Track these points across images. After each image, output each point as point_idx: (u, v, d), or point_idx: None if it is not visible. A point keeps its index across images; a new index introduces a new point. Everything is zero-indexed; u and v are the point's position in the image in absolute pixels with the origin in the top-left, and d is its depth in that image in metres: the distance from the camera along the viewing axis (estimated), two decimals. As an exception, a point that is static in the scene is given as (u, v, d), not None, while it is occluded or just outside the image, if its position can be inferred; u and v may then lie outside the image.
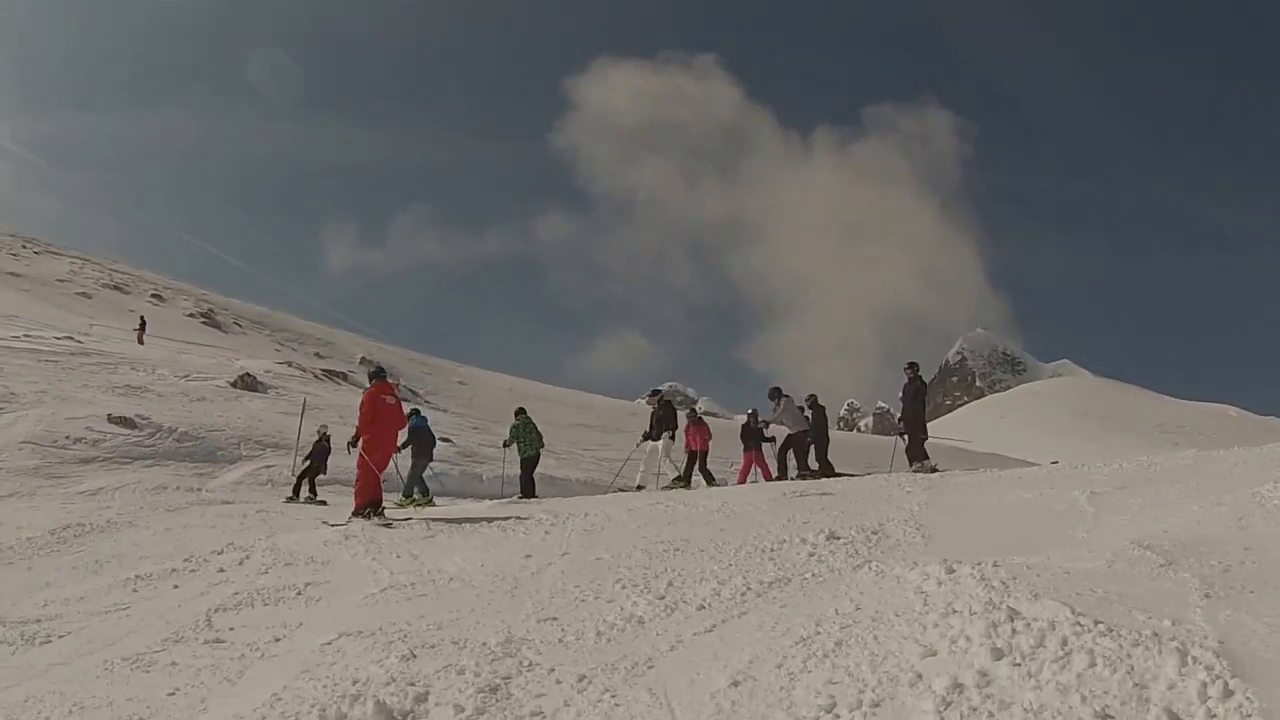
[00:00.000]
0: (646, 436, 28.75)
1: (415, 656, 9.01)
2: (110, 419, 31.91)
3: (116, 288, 74.84)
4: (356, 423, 19.43)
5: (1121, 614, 6.66)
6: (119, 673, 10.07)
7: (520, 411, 29.49)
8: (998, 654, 6.27)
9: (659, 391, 29.32)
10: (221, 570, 15.01)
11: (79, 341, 45.58)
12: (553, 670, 8.15)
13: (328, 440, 28.79)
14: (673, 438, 27.76)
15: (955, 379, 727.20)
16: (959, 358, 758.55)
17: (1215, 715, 5.10)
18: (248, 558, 15.77)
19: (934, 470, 24.10)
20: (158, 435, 31.75)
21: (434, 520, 18.65)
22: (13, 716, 8.93)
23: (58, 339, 44.96)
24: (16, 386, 34.42)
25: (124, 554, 17.38)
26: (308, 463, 28.62)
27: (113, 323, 57.75)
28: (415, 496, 25.01)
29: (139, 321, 55.98)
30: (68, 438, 29.75)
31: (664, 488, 25.87)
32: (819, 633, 7.73)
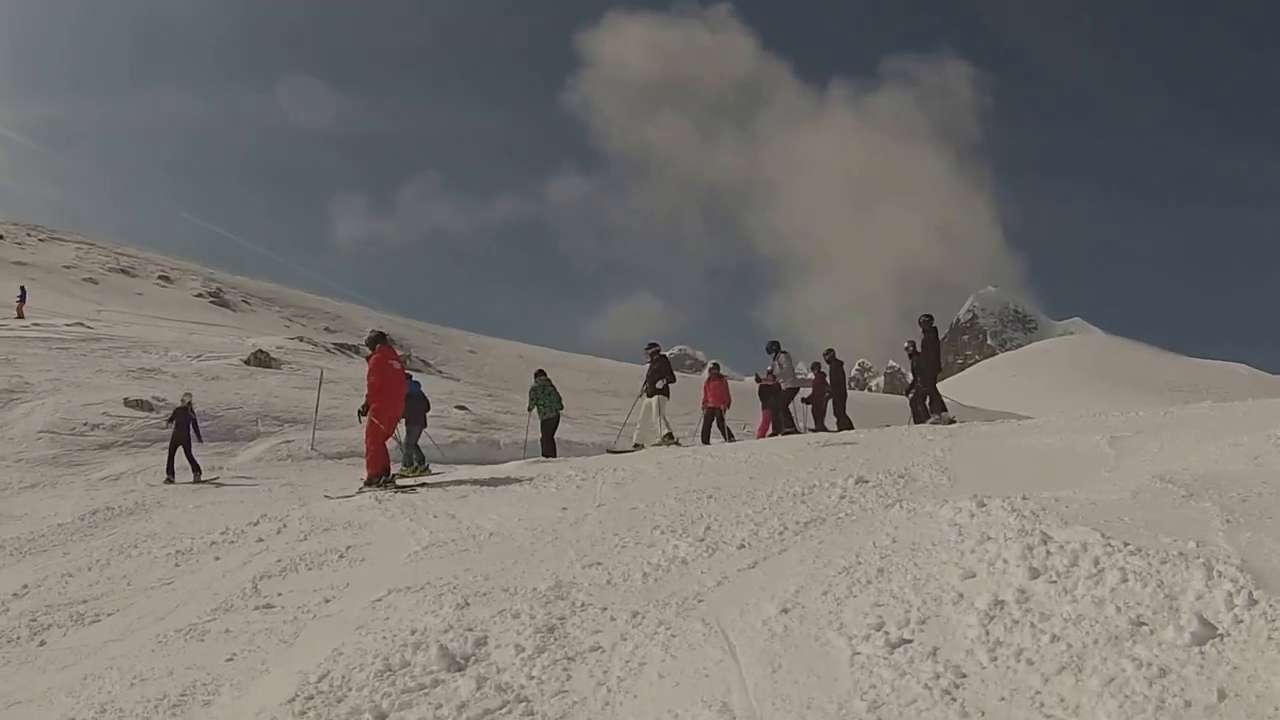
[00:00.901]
0: (644, 392, 29.02)
1: (469, 605, 9.42)
2: (126, 403, 32.18)
3: (123, 271, 75.02)
4: (366, 392, 19.93)
5: (1148, 537, 7.20)
6: (173, 644, 10.35)
7: (540, 374, 30.01)
8: (1034, 573, 6.81)
9: (655, 345, 29.41)
10: (261, 540, 15.41)
11: (89, 327, 45.78)
12: (605, 609, 8.62)
13: (190, 409, 28.16)
14: (666, 392, 27.90)
15: (966, 337, 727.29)
16: (970, 316, 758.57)
17: (1242, 621, 5.56)
18: (284, 527, 16.19)
19: (952, 422, 24.56)
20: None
21: (464, 482, 19.11)
22: (75, 693, 9.11)
23: (67, 325, 45.13)
24: (30, 375, 34.70)
25: (158, 533, 17.72)
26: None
27: (121, 307, 57.67)
28: (414, 464, 25.05)
29: (19, 292, 53.45)
30: (85, 424, 30.03)
31: (654, 445, 26.16)
32: (860, 563, 8.26)
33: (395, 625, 9.26)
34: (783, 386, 29.12)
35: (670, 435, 26.78)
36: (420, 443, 26.77)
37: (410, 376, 26.60)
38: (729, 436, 28.33)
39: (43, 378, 34.72)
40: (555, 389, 29.76)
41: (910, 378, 29.19)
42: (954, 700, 5.48)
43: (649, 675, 6.94)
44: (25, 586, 14.22)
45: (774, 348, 29.37)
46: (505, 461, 25.96)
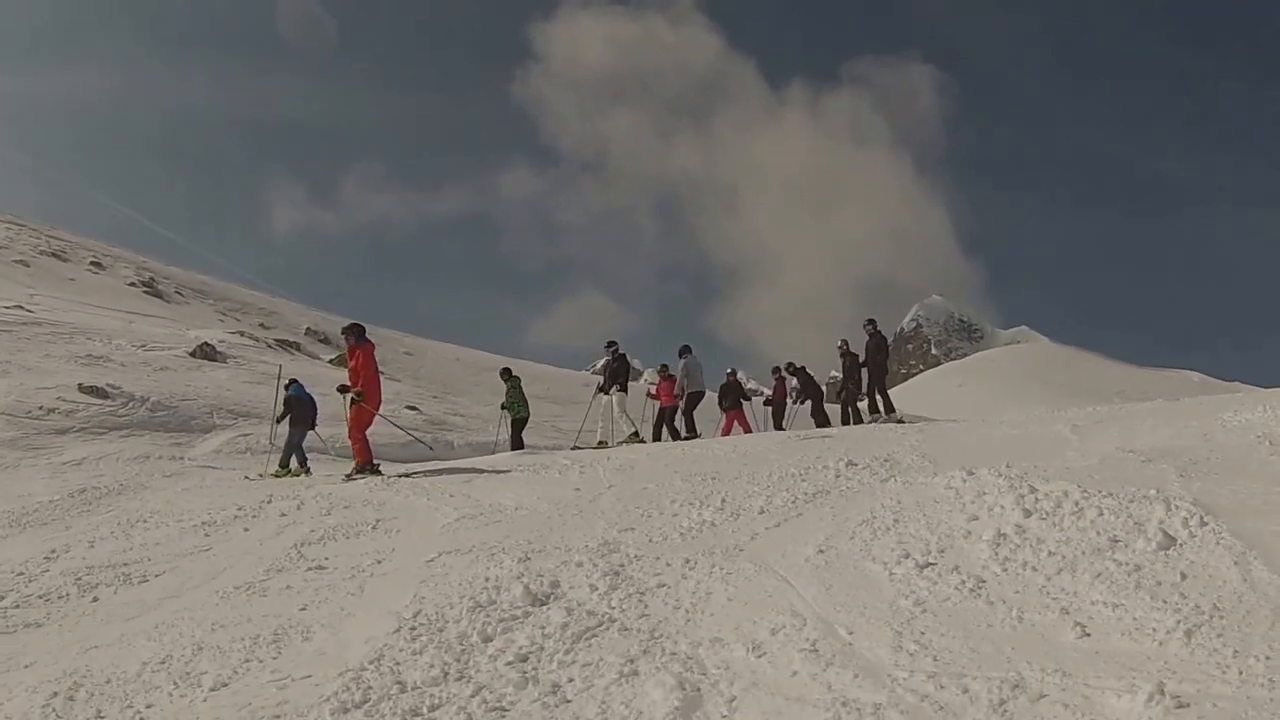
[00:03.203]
0: (600, 389, 30.45)
1: (530, 559, 10.92)
2: (81, 389, 32.75)
3: (54, 255, 74.27)
4: (355, 378, 21.55)
5: (1117, 487, 9.85)
6: (235, 599, 11.36)
7: (509, 375, 31.33)
8: (1027, 513, 9.32)
9: (614, 343, 30.35)
10: (283, 515, 16.61)
11: (29, 311, 45.92)
12: (658, 558, 10.36)
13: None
14: (624, 389, 29.14)
15: (910, 346, 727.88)
16: (914, 325, 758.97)
17: (1195, 535, 8.28)
18: (302, 504, 17.37)
19: (900, 421, 26.42)
20: (131, 405, 32.56)
21: (461, 470, 20.39)
22: (155, 638, 9.91)
23: (6, 308, 44.86)
24: None
25: (161, 510, 18.65)
26: None
27: (53, 292, 57.10)
28: (292, 467, 25.64)
29: None
30: (41, 408, 30.60)
31: (619, 443, 27.24)
32: (875, 518, 10.42)
33: (462, 577, 10.54)
34: (687, 392, 30.28)
35: (636, 434, 27.94)
36: (372, 441, 27.94)
37: (296, 380, 27.99)
38: (675, 436, 29.52)
39: (-10, 360, 34.91)
40: (523, 391, 31.17)
41: (840, 378, 30.79)
42: (979, 595, 7.75)
43: (717, 600, 8.75)
44: (53, 551, 15.22)
45: (686, 352, 30.69)
46: (459, 461, 26.75)
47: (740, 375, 31.49)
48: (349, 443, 21.98)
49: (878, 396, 29.68)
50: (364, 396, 21.10)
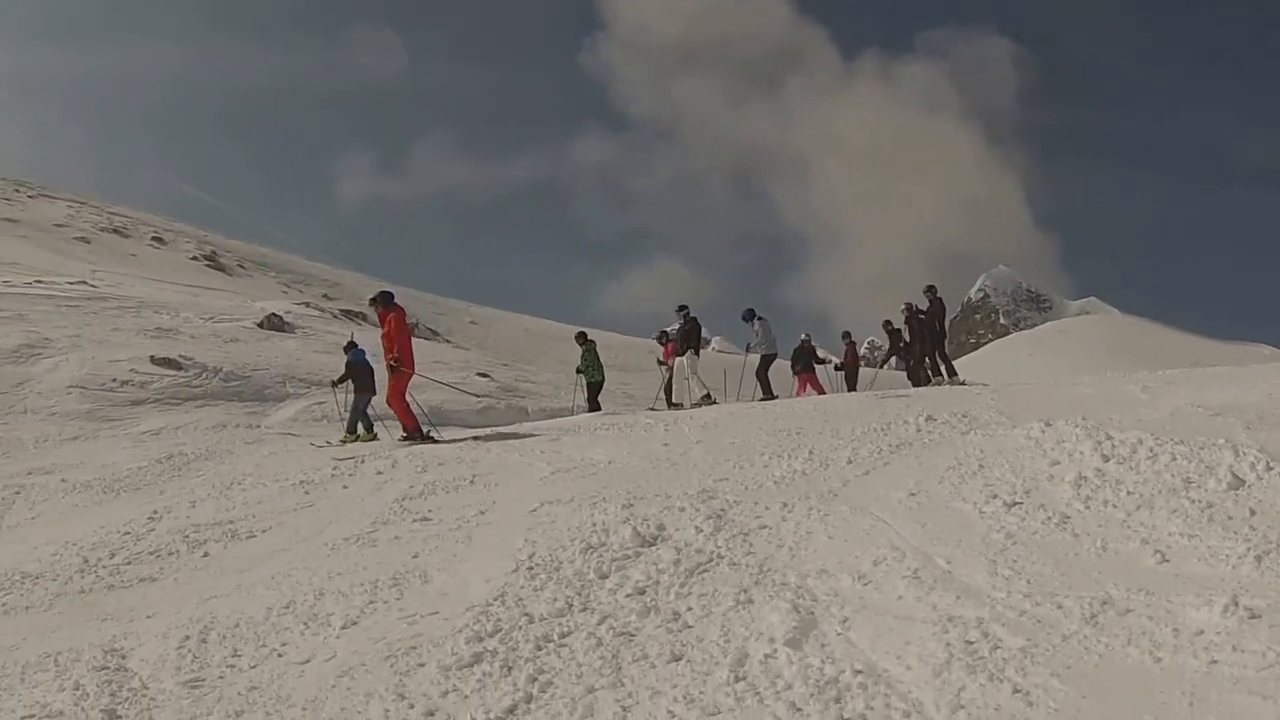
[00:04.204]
0: (676, 353, 30.17)
1: (633, 506, 11.54)
2: (154, 360, 33.02)
3: (115, 231, 74.83)
4: (390, 345, 21.54)
5: (1188, 436, 10.69)
6: (346, 550, 11.97)
7: (584, 339, 31.91)
8: (1105, 458, 10.22)
9: (685, 307, 30.22)
10: (379, 473, 17.15)
11: (94, 286, 46.21)
12: (757, 503, 11.09)
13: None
14: (697, 353, 29.20)
15: (979, 316, 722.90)
16: (981, 295, 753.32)
17: (1262, 478, 9.14)
18: (395, 464, 17.90)
19: (963, 384, 26.98)
20: (204, 375, 32.84)
21: (545, 431, 20.85)
22: (274, 586, 10.56)
23: (71, 284, 45.36)
24: (48, 331, 35.19)
25: (253, 473, 19.19)
26: None
27: (115, 267, 57.04)
28: (359, 433, 25.37)
29: None
30: (114, 380, 30.83)
31: (692, 405, 27.33)
32: (961, 464, 11.24)
33: (568, 524, 11.16)
34: (759, 352, 30.46)
35: (708, 395, 28.02)
36: (446, 408, 28.38)
37: (355, 344, 27.93)
38: (670, 403, 29.79)
39: (61, 334, 35.18)
40: (598, 356, 31.74)
41: (894, 345, 31.68)
42: (1065, 529, 8.63)
43: (818, 539, 9.50)
44: (155, 512, 15.81)
45: (750, 315, 30.90)
46: (539, 423, 27.02)
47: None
48: (390, 410, 22.11)
49: (938, 360, 30.18)
50: (400, 361, 21.19)
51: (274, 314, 46.11)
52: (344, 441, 24.10)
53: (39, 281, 44.33)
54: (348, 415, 25.71)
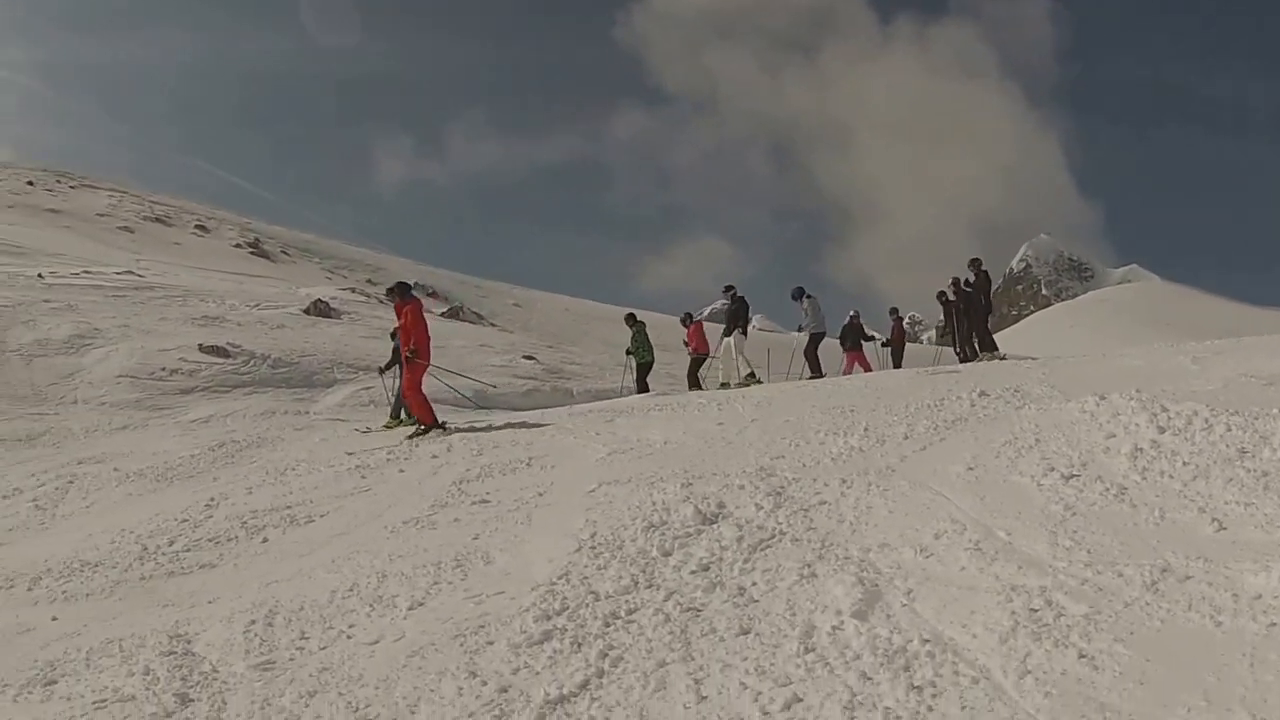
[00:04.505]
0: (724, 333, 30.54)
1: (692, 484, 11.69)
2: (202, 349, 33.28)
3: (158, 220, 75.14)
4: (407, 337, 21.33)
5: (1241, 406, 10.78)
6: (405, 533, 12.25)
7: (633, 320, 32.03)
8: (1160, 430, 10.38)
9: (732, 287, 30.63)
10: (435, 457, 17.44)
11: (140, 275, 46.38)
12: (815, 480, 11.27)
13: None
14: (744, 332, 29.59)
15: (1020, 287, 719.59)
16: (1023, 265, 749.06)
17: None
18: (451, 447, 18.19)
19: (1004, 358, 27.02)
20: (252, 363, 33.13)
21: (599, 413, 21.06)
22: (335, 570, 10.81)
23: (118, 274, 45.61)
24: (97, 321, 35.50)
25: (306, 459, 19.45)
26: None
27: (159, 256, 57.13)
28: (402, 417, 25.23)
29: None
30: (163, 369, 31.15)
31: (738, 384, 27.65)
32: (1017, 439, 11.40)
33: (628, 503, 11.30)
34: (808, 330, 30.66)
35: (753, 374, 28.32)
36: (492, 392, 28.61)
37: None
38: (696, 385, 30.08)
39: (110, 324, 35.53)
40: (647, 336, 31.77)
41: (947, 321, 31.37)
42: (1123, 500, 8.81)
43: (879, 513, 9.68)
44: (212, 499, 16.01)
45: (799, 293, 31.03)
46: (588, 404, 27.30)
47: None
48: (406, 403, 22.05)
49: (983, 335, 30.18)
50: (416, 353, 21.13)
51: (320, 300, 46.40)
52: (388, 427, 24.23)
53: (86, 272, 44.55)
54: (392, 400, 25.90)
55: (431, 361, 21.68)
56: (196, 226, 77.52)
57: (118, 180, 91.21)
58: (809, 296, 30.45)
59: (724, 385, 28.16)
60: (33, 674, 8.53)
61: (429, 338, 21.61)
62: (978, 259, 30.14)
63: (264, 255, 72.71)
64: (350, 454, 19.12)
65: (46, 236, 56.53)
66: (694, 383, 30.19)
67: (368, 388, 31.56)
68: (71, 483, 19.17)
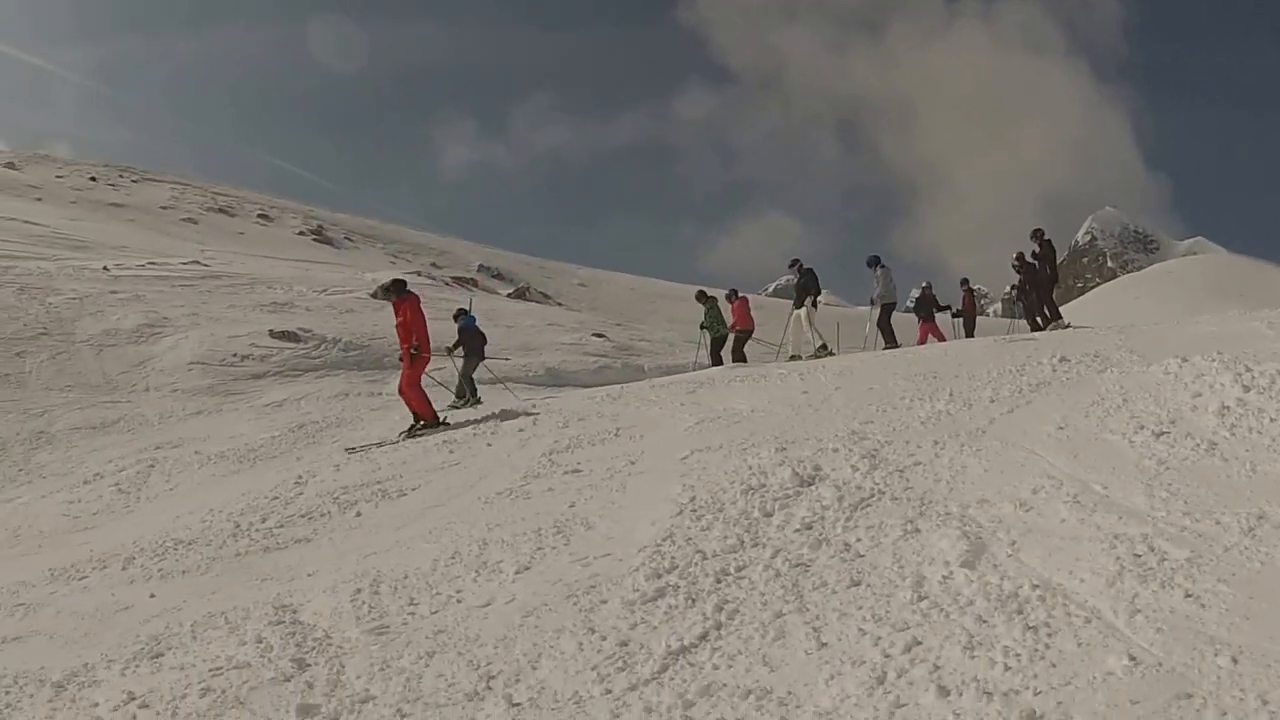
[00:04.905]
0: (794, 305, 30.58)
1: (786, 449, 11.92)
2: (273, 334, 33.94)
3: (221, 210, 76.27)
4: (407, 335, 21.01)
5: None
6: (500, 504, 12.44)
7: (705, 297, 32.30)
8: (1246, 389, 10.68)
9: (798, 260, 30.64)
10: (521, 430, 17.71)
11: (206, 265, 47.02)
12: (907, 442, 11.53)
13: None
14: (815, 304, 29.59)
15: (1086, 260, 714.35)
16: (1088, 238, 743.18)
17: None
18: (536, 420, 18.53)
19: (1068, 328, 27.11)
20: (323, 347, 33.75)
21: (680, 385, 20.95)
22: (434, 540, 11.06)
23: (183, 264, 46.30)
24: (165, 311, 36.05)
25: (386, 436, 20.04)
26: None
27: (224, 246, 57.90)
28: (467, 397, 26.09)
29: None
30: (234, 355, 31.72)
31: (810, 356, 27.53)
32: (1104, 399, 11.68)
33: (723, 469, 11.52)
34: (879, 302, 30.54)
35: (824, 346, 28.31)
36: (563, 369, 28.97)
37: (466, 311, 28.54)
38: (741, 360, 30.27)
39: (178, 313, 36.11)
40: (720, 311, 32.15)
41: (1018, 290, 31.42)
42: (1214, 455, 9.19)
43: (974, 473, 9.97)
44: (300, 478, 16.40)
45: (874, 262, 30.85)
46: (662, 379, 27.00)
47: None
48: (401, 398, 21.57)
49: (1049, 305, 30.27)
50: (420, 349, 20.88)
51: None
52: (452, 407, 24.57)
53: (151, 263, 44.99)
54: (457, 381, 26.38)
55: (432, 357, 21.38)
56: (259, 215, 78.35)
57: (179, 173, 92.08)
58: (883, 266, 30.38)
59: (794, 358, 28.21)
60: (138, 648, 8.81)
61: (429, 334, 21.47)
62: (1040, 229, 30.11)
63: (327, 242, 73.44)
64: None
65: (110, 230, 57.38)
66: (739, 357, 30.45)
67: (439, 368, 31.85)
68: (152, 467, 19.69)
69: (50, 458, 22.20)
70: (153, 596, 10.86)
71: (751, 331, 31.53)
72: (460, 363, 26.72)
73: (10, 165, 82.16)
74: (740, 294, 32.87)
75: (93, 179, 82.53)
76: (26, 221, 51.44)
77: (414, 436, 19.46)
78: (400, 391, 20.95)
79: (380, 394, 29.55)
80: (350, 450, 18.87)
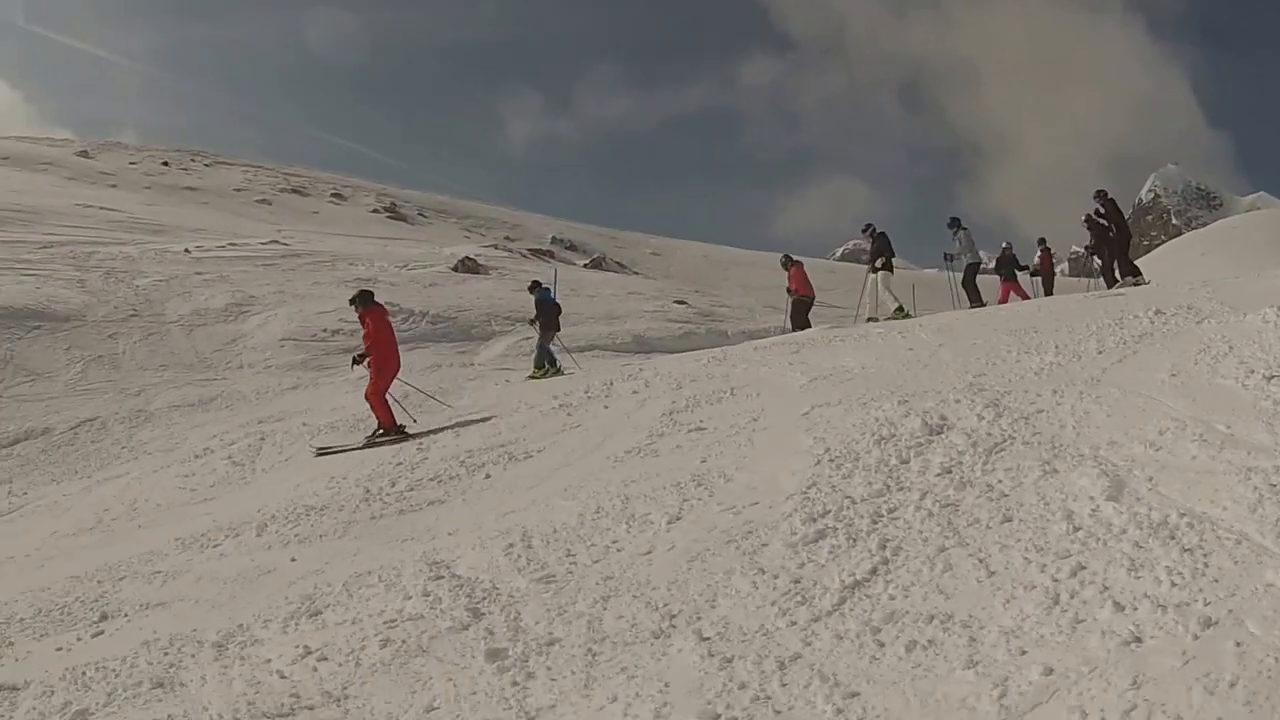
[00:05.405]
0: (869, 270, 30.94)
1: (908, 402, 12.39)
2: None
3: (295, 191, 77.01)
4: (366, 342, 20.56)
5: None
6: (630, 462, 12.91)
7: (791, 261, 32.67)
8: None
9: (871, 225, 30.85)
10: (635, 392, 18.19)
11: (285, 244, 48.02)
12: (1026, 391, 12.06)
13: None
14: (890, 268, 29.79)
15: (1150, 218, 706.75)
16: (1151, 195, 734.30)
17: None
18: (648, 383, 18.93)
19: (1147, 283, 27.31)
20: (411, 319, 34.37)
21: (782, 347, 21.26)
22: (572, 496, 11.58)
23: (263, 244, 47.36)
24: (251, 290, 37.14)
25: (496, 404, 20.54)
26: None
27: (299, 225, 58.37)
28: (546, 367, 26.73)
29: None
30: (324, 330, 32.85)
31: (887, 319, 27.57)
32: (1209, 347, 12.24)
33: (847, 422, 12.00)
34: (965, 261, 31.30)
35: (900, 308, 28.46)
36: (649, 336, 29.48)
37: (540, 283, 29.10)
38: (802, 327, 29.74)
39: (265, 291, 37.24)
40: (807, 276, 32.45)
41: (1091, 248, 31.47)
42: None
43: (1097, 418, 10.49)
44: (421, 444, 17.06)
45: (955, 224, 31.22)
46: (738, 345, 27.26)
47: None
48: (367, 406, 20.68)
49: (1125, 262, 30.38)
50: (381, 362, 20.39)
51: (467, 257, 47.56)
52: (532, 377, 25.49)
53: (231, 244, 45.96)
54: (534, 352, 27.23)
55: (400, 367, 21.24)
56: (333, 195, 79.10)
57: (250, 156, 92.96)
58: (963, 228, 30.75)
59: (871, 320, 28.38)
60: (292, 607, 9.37)
61: (395, 345, 21.14)
62: (1102, 190, 29.99)
63: (401, 219, 74.12)
64: (553, 395, 19.93)
65: (185, 213, 58.37)
66: (802, 324, 30.45)
67: (527, 338, 32.39)
68: (263, 439, 20.46)
69: (152, 434, 23.32)
70: (294, 560, 11.45)
71: (812, 298, 31.62)
72: (538, 335, 27.37)
73: (83, 154, 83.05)
74: (795, 259, 32.69)
75: (165, 164, 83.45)
76: (103, 208, 52.27)
77: (373, 445, 19.13)
78: (365, 398, 20.50)
79: (472, 364, 30.73)
80: (322, 452, 18.99)
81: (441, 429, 19.05)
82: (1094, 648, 5.87)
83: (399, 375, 20.88)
